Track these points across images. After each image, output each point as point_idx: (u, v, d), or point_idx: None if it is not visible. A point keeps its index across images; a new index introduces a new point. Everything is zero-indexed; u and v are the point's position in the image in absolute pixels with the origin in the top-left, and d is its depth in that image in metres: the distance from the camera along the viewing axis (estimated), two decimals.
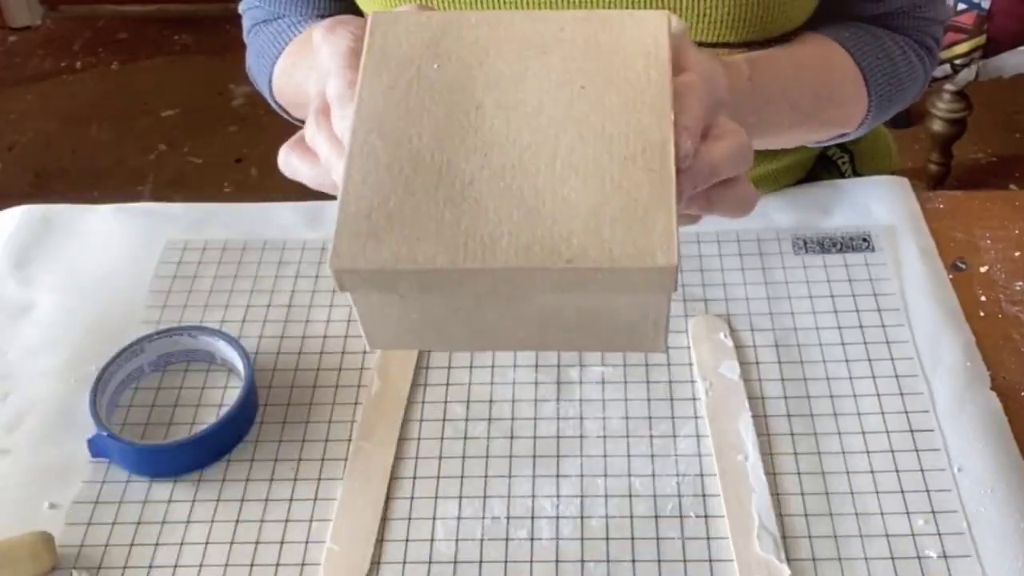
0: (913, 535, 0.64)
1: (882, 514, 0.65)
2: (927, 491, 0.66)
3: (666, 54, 0.50)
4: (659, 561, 0.64)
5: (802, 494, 0.66)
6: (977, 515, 0.65)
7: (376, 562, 0.64)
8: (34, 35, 2.74)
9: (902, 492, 0.66)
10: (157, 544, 0.66)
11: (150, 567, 0.64)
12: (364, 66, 0.51)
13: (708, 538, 0.65)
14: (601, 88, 0.49)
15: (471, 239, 0.45)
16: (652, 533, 0.65)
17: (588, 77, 0.50)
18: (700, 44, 0.76)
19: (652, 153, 0.47)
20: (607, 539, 0.65)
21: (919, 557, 0.63)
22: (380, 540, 0.65)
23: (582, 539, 0.65)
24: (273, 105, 0.90)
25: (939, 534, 0.64)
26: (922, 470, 0.67)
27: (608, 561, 0.64)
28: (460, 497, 0.67)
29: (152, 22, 2.75)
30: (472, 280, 0.45)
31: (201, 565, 0.64)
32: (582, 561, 0.64)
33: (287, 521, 0.66)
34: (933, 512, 0.65)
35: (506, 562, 0.64)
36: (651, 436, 0.70)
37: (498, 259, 0.44)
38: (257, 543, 0.65)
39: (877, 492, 0.66)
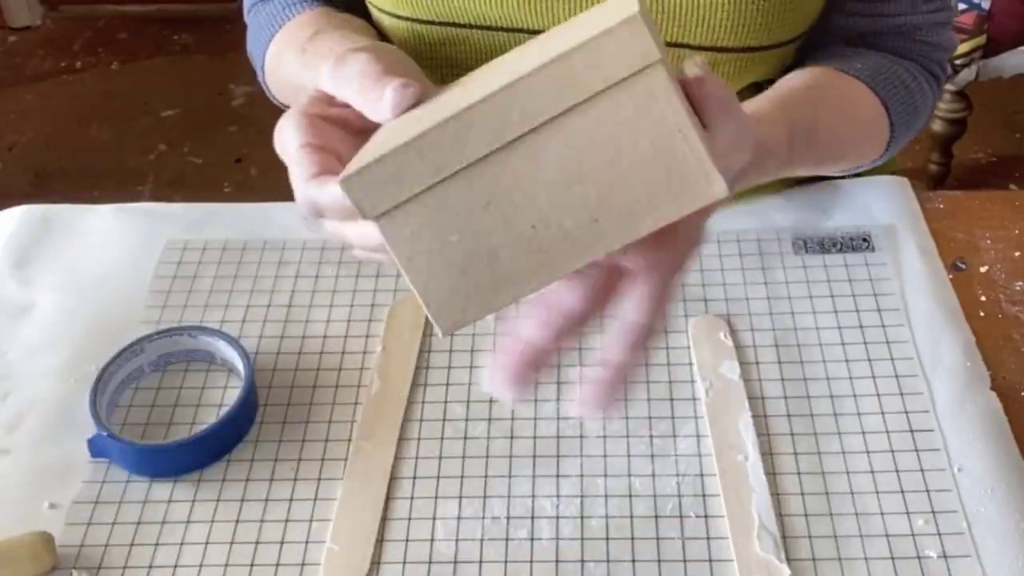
0: (913, 535, 0.64)
1: (882, 514, 0.65)
2: (927, 491, 0.66)
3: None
4: (659, 561, 0.64)
5: (802, 494, 0.66)
6: (977, 515, 0.65)
7: (376, 562, 0.64)
8: (34, 35, 2.74)
9: (902, 492, 0.66)
10: (157, 544, 0.66)
11: (150, 567, 0.64)
12: None
13: (708, 538, 0.65)
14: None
15: (455, 109, 0.46)
16: (652, 533, 0.65)
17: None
18: (699, 48, 0.76)
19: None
20: (607, 539, 0.65)
21: (919, 557, 0.63)
22: (380, 540, 0.65)
23: (582, 539, 0.65)
24: (267, 91, 0.89)
25: (939, 534, 0.64)
26: (922, 470, 0.67)
27: (608, 561, 0.64)
28: (460, 497, 0.67)
29: (152, 22, 2.75)
30: (468, 129, 0.45)
31: (201, 565, 0.64)
32: (582, 561, 0.64)
33: (287, 521, 0.66)
34: (933, 512, 0.65)
35: (506, 562, 0.64)
36: (651, 436, 0.70)
37: (482, 94, 0.45)
38: (257, 543, 0.65)
39: (877, 492, 0.66)
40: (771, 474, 0.67)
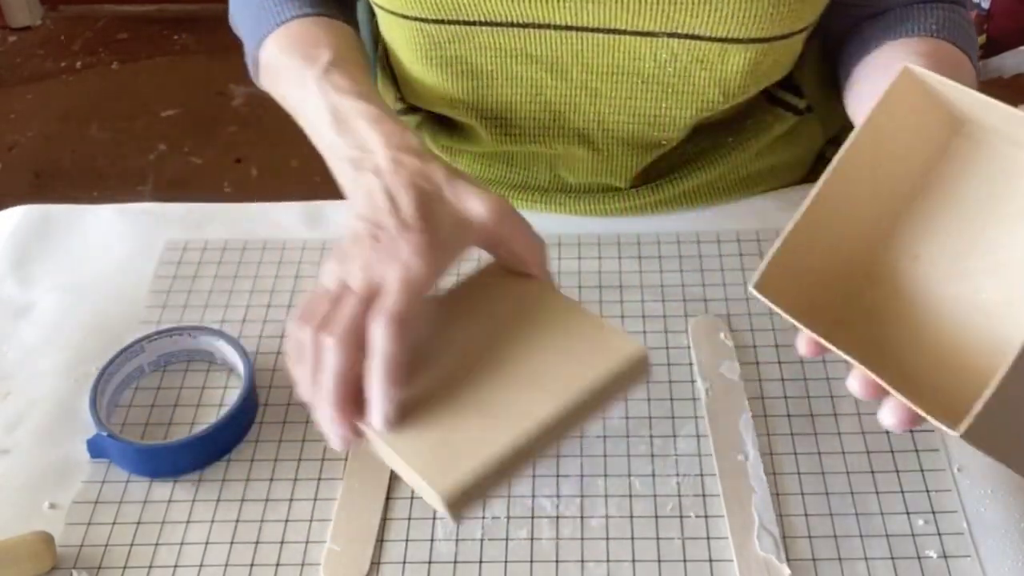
0: (913, 535, 0.64)
1: (882, 514, 0.65)
2: (927, 491, 0.66)
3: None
4: (659, 561, 0.64)
5: (802, 494, 0.66)
6: (977, 515, 0.65)
7: (376, 562, 0.64)
8: (34, 35, 2.74)
9: (902, 492, 0.66)
10: (157, 544, 0.66)
11: (150, 567, 0.64)
12: None
13: (708, 538, 0.65)
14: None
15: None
16: (652, 533, 0.65)
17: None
18: (710, 39, 0.75)
19: None
20: (607, 539, 0.65)
21: (919, 557, 0.63)
22: (380, 540, 0.65)
23: (582, 539, 0.65)
24: (252, 74, 0.84)
25: (939, 534, 0.64)
26: (922, 470, 0.67)
27: (608, 561, 0.64)
28: None
29: (152, 22, 2.75)
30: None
31: (201, 565, 0.64)
32: (582, 561, 0.64)
33: (287, 521, 0.66)
34: (933, 512, 0.65)
35: (506, 562, 0.64)
36: (651, 436, 0.70)
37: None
38: (257, 543, 0.65)
39: (877, 492, 0.66)
40: (771, 474, 0.67)
